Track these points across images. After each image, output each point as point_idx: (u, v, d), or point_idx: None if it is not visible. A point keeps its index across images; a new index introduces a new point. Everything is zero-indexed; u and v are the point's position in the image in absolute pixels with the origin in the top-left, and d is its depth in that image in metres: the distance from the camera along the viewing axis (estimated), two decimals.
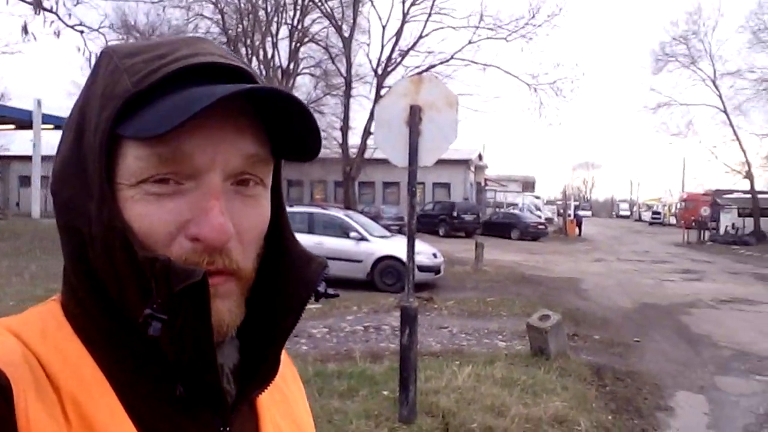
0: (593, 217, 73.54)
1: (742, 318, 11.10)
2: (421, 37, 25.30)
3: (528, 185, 56.29)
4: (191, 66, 0.58)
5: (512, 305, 10.87)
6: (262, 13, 26.77)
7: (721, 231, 36.09)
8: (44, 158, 23.76)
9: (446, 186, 35.56)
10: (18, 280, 10.85)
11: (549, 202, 60.42)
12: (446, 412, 4.67)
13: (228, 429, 0.63)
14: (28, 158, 25.25)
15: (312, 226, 12.86)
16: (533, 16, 24.42)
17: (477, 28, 24.58)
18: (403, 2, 24.97)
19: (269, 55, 27.47)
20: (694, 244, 32.44)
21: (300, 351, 7.15)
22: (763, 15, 32.28)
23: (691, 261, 22.91)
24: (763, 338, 9.25)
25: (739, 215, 36.89)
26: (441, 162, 5.68)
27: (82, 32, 14.30)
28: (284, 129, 0.62)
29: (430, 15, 24.90)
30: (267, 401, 0.70)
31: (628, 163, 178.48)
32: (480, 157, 41.57)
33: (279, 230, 0.68)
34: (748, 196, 35.68)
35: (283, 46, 27.80)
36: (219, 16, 26.85)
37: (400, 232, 20.67)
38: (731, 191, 39.34)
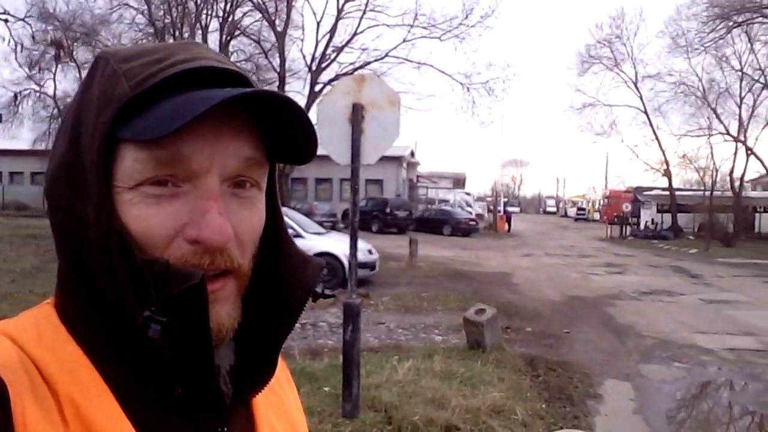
0: (522, 213, 75.31)
1: (662, 309, 11.70)
2: (355, 33, 25.34)
3: (459, 182, 56.97)
4: (188, 70, 0.59)
5: (447, 300, 11.08)
6: (191, 4, 26.11)
7: (642, 226, 37.72)
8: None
9: (379, 182, 35.68)
10: None
11: (479, 199, 61.37)
12: (389, 406, 4.74)
13: (225, 430, 0.64)
14: None
15: None
16: (466, 17, 24.86)
17: (411, 26, 24.82)
18: None
19: None
20: (616, 239, 33.85)
21: None
22: (681, 21, 33.90)
23: (614, 255, 23.90)
24: (681, 327, 9.80)
25: (658, 211, 38.67)
26: None
27: (6, 21, 13.57)
28: (280, 132, 0.62)
29: (364, 12, 24.95)
30: (262, 402, 0.70)
31: (554, 161, 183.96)
32: (412, 153, 41.90)
33: (274, 232, 0.68)
34: (667, 193, 37.44)
35: (213, 39, 27.21)
36: (145, 6, 25.95)
37: (333, 228, 20.66)
38: (651, 188, 41.21)
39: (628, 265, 19.85)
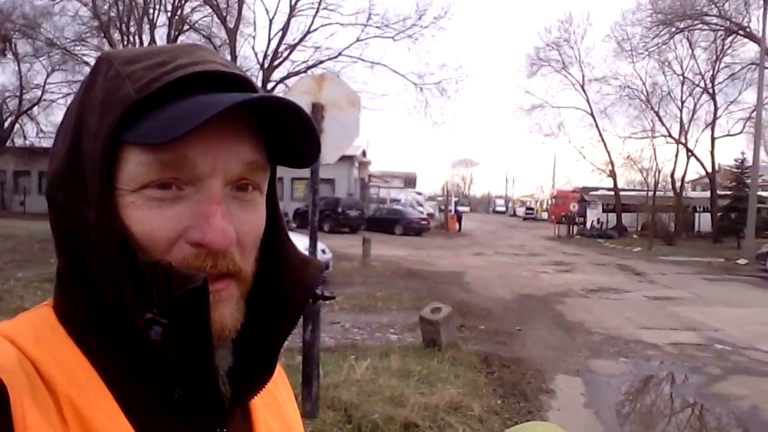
0: (472, 212, 76.22)
1: (608, 305, 12.06)
2: (308, 32, 25.15)
3: (410, 181, 57.29)
4: (192, 74, 0.59)
5: (401, 299, 11.15)
6: None
7: (588, 225, 38.71)
8: None
9: (331, 182, 35.58)
10: None
11: (430, 198, 61.80)
12: (348, 405, 4.76)
13: (224, 431, 0.64)
14: None
15: None
16: (420, 18, 24.97)
17: (365, 26, 24.80)
18: None
19: (146, 43, 26.21)
20: (564, 238, 34.64)
21: None
22: (626, 26, 34.92)
23: (563, 254, 24.47)
24: (627, 323, 10.13)
25: (604, 211, 39.77)
26: None
27: None
28: (282, 136, 0.63)
29: (317, 10, 24.79)
30: (259, 404, 0.71)
31: (504, 161, 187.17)
32: (364, 153, 41.95)
33: (275, 235, 0.69)
34: (612, 193, 38.53)
35: (161, 34, 26.66)
36: None
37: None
38: (597, 188, 42.38)
39: (576, 264, 20.36)
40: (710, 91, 34.33)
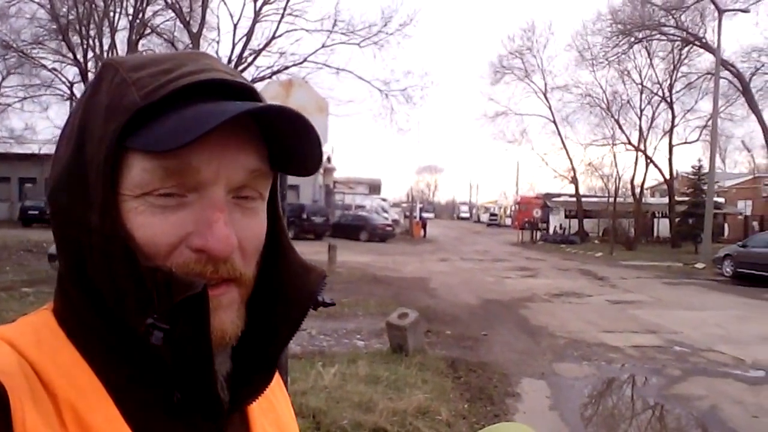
0: (436, 218, 76.78)
1: (571, 310, 12.26)
2: (273, 37, 24.96)
3: (375, 188, 57.34)
4: (198, 83, 0.59)
5: (367, 305, 11.15)
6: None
7: (551, 231, 39.33)
8: None
9: (295, 188, 35.40)
10: None
11: (395, 205, 62.03)
12: (317, 411, 4.73)
13: None
14: None
15: None
16: (385, 25, 25.00)
17: (330, 32, 24.76)
18: (255, 1, 24.54)
19: (106, 47, 25.74)
20: (527, 244, 35.11)
21: None
22: (587, 36, 35.65)
23: (526, 259, 24.78)
24: (590, 327, 10.30)
25: (566, 216, 40.47)
26: None
27: None
28: (285, 144, 0.63)
29: (283, 16, 24.64)
30: (257, 410, 0.71)
31: (468, 168, 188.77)
32: (329, 159, 41.90)
33: (277, 241, 0.69)
34: (574, 199, 39.18)
35: (122, 38, 26.17)
36: (47, 0, 24.62)
37: None
38: (559, 195, 43.06)
39: (540, 269, 20.64)
40: (668, 99, 35.26)
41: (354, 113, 56.57)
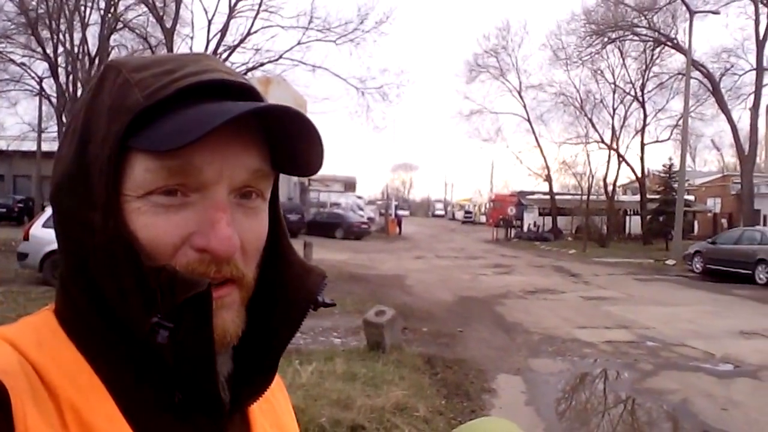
0: (412, 216, 76.96)
1: (546, 306, 12.40)
2: (248, 33, 24.67)
3: (350, 185, 57.18)
4: (200, 83, 0.60)
5: (343, 303, 11.10)
6: None
7: (525, 228, 39.69)
8: None
9: None
10: None
11: (370, 202, 61.99)
12: (295, 409, 4.64)
13: None
14: None
15: None
16: (362, 22, 24.88)
17: (306, 29, 24.56)
18: None
19: (77, 42, 25.32)
20: (502, 241, 35.42)
21: None
22: (561, 35, 36.10)
23: (501, 256, 25.00)
24: (564, 323, 10.44)
25: (540, 214, 40.89)
26: None
27: None
28: (287, 144, 0.63)
29: (258, 12, 24.38)
30: (257, 411, 0.71)
31: (443, 165, 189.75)
32: None
33: (277, 241, 0.69)
34: (548, 197, 39.64)
35: (93, 32, 25.77)
36: None
37: None
38: (533, 192, 43.49)
39: (514, 266, 20.83)
40: (640, 99, 35.87)
41: (330, 111, 56.69)
